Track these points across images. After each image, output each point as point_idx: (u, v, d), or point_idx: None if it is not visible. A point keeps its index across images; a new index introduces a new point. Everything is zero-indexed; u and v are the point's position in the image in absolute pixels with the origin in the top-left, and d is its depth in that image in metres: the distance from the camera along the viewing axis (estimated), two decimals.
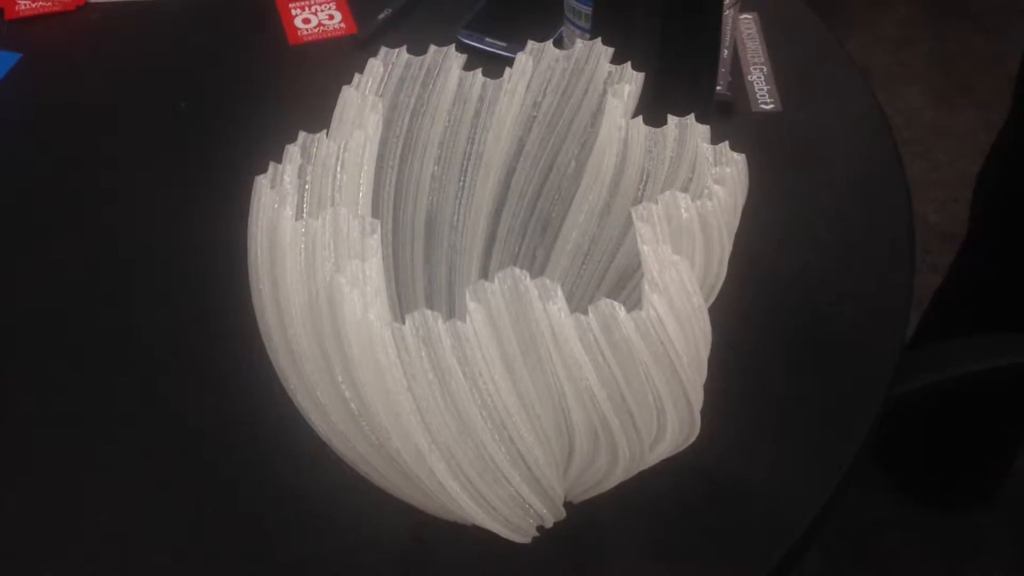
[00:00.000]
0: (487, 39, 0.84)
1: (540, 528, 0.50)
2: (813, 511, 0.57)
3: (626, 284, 0.56)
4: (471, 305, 0.41)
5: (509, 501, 0.47)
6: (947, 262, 1.32)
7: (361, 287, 0.41)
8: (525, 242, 0.59)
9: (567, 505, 0.51)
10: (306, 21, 0.88)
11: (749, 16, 0.86)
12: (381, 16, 0.88)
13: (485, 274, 0.59)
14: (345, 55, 0.87)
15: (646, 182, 0.51)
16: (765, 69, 0.82)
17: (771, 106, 0.79)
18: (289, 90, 0.85)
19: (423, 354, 0.41)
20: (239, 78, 0.85)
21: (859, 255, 0.70)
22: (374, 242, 0.43)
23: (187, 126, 0.81)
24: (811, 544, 0.58)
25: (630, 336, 0.41)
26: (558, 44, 0.58)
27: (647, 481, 0.51)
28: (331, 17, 0.89)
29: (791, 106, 0.79)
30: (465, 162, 0.54)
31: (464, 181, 0.55)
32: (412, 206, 0.56)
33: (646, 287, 0.41)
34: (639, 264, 0.55)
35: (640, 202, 0.52)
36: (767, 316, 0.65)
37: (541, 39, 0.53)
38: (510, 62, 0.52)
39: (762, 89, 0.81)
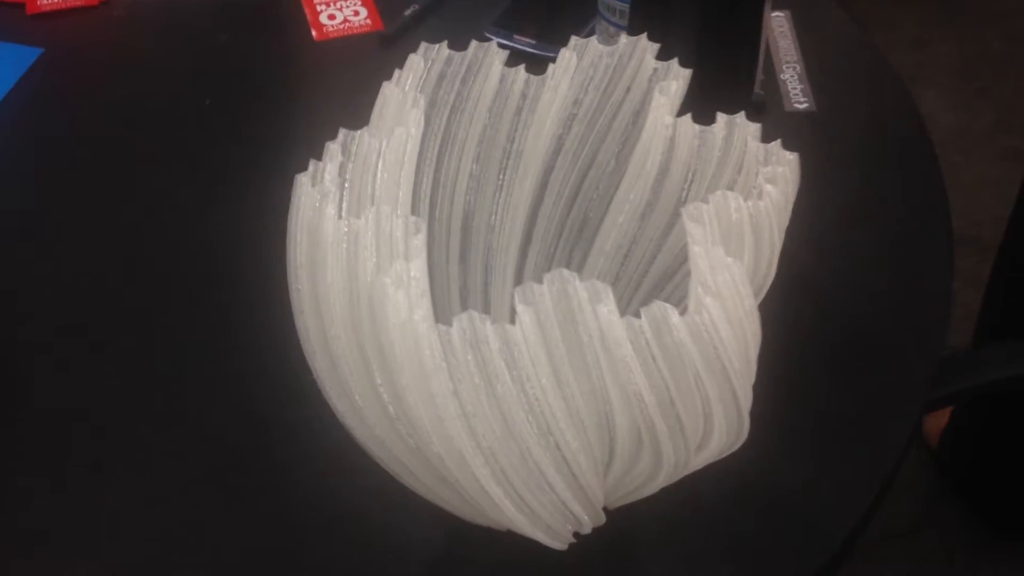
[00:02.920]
0: (515, 36, 0.83)
1: (576, 534, 0.49)
2: (853, 520, 0.56)
3: (665, 285, 0.55)
4: (520, 307, 0.40)
5: (551, 507, 0.46)
6: (966, 265, 1.30)
7: (406, 288, 0.40)
8: (561, 242, 0.58)
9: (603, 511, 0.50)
10: (331, 17, 0.87)
11: (781, 14, 0.85)
12: (407, 12, 0.87)
13: (520, 275, 0.58)
14: (371, 52, 0.86)
15: (691, 181, 0.50)
16: (798, 68, 0.81)
17: (805, 105, 0.78)
18: (315, 87, 0.84)
19: (470, 357, 0.40)
20: (265, 75, 0.84)
21: (896, 258, 0.68)
22: (419, 242, 0.42)
23: (212, 123, 0.80)
24: (850, 553, 0.57)
25: (683, 340, 0.40)
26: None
27: (682, 488, 0.49)
28: (356, 13, 0.88)
29: (825, 105, 0.78)
30: (504, 160, 0.53)
31: (503, 179, 0.54)
32: (448, 205, 0.55)
33: (699, 289, 0.40)
34: (680, 265, 0.54)
35: (685, 202, 0.51)
36: (802, 319, 0.64)
37: (570, 36, 0.52)
38: (538, 59, 0.51)
39: (795, 88, 0.79)
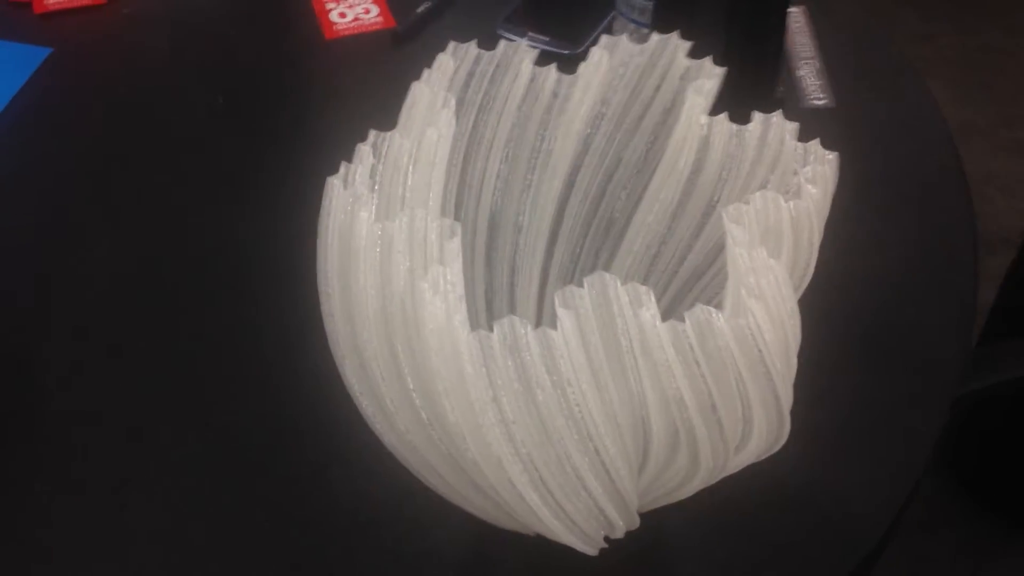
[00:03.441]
0: (529, 33, 0.82)
1: (607, 539, 0.48)
2: (886, 519, 0.55)
3: (694, 285, 0.54)
4: (561, 312, 0.39)
5: (585, 512, 0.45)
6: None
7: (444, 293, 0.40)
8: (587, 242, 0.57)
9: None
10: (342, 15, 0.87)
11: (797, 9, 0.84)
12: (420, 9, 0.86)
13: (546, 275, 0.57)
14: (383, 50, 0.85)
15: (725, 181, 0.49)
16: (815, 63, 0.80)
17: (823, 101, 0.78)
18: (327, 85, 0.83)
19: (510, 363, 0.39)
20: (276, 73, 0.83)
21: (921, 253, 0.68)
22: (454, 246, 0.41)
23: (224, 122, 0.79)
24: (884, 550, 0.56)
25: (728, 344, 0.39)
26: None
27: (712, 489, 0.49)
28: (367, 11, 0.87)
29: (843, 101, 0.78)
30: (533, 159, 0.52)
31: (531, 179, 0.53)
32: (475, 204, 0.54)
33: (742, 292, 0.39)
34: (708, 265, 0.54)
35: (718, 201, 0.51)
36: (828, 317, 0.63)
37: (584, 34, 0.51)
38: (552, 57, 0.51)
39: (813, 84, 0.79)
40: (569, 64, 0.52)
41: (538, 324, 0.59)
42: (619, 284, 0.39)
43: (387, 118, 0.75)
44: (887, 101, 0.79)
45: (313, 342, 0.61)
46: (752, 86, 0.60)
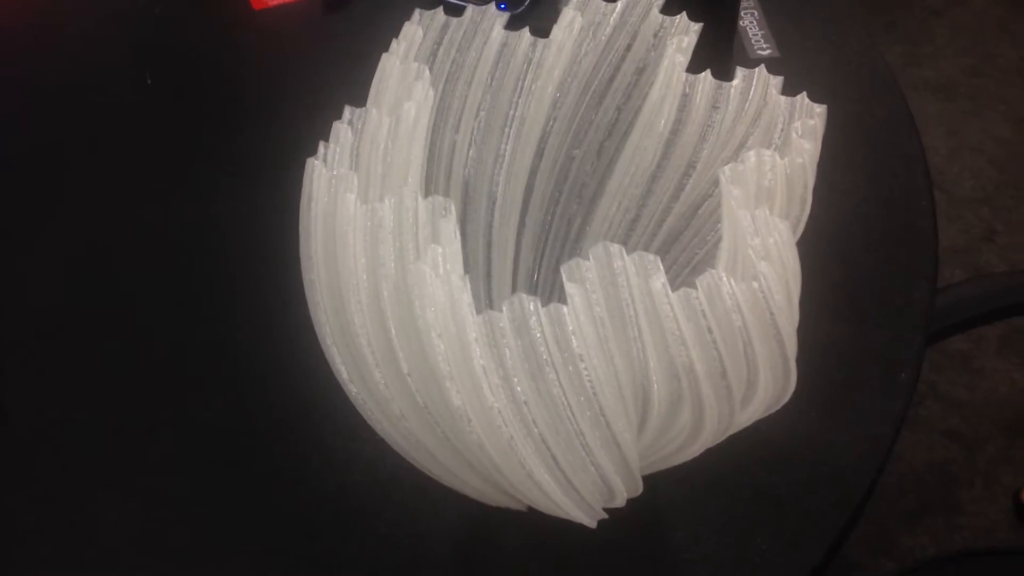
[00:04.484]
0: None
1: (607, 509, 0.48)
2: (875, 465, 0.55)
3: (670, 248, 0.54)
4: (570, 287, 0.38)
5: (592, 485, 0.44)
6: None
7: (446, 275, 0.38)
8: (559, 210, 0.56)
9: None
10: None
11: None
12: None
13: (519, 247, 0.56)
14: (314, 18, 0.82)
15: (705, 140, 0.48)
16: (756, 13, 0.80)
17: (767, 51, 0.77)
18: (261, 58, 0.80)
19: (520, 343, 0.38)
20: (205, 49, 0.80)
21: (878, 197, 0.68)
22: (451, 225, 0.40)
23: (157, 101, 0.75)
24: (873, 493, 0.56)
25: (741, 309, 0.38)
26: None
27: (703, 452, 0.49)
28: None
29: (787, 51, 0.77)
30: (506, 128, 0.50)
31: (504, 149, 0.51)
32: (446, 179, 0.52)
33: (751, 254, 0.39)
34: (686, 226, 0.53)
35: (697, 162, 0.50)
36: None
37: None
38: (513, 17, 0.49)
39: (756, 34, 0.78)
40: (515, 23, 0.51)
41: (513, 293, 0.58)
42: (625, 254, 0.38)
43: (327, 89, 0.73)
44: (830, 48, 0.79)
45: (278, 331, 0.60)
46: (714, 41, 0.59)
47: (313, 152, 0.43)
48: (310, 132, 0.49)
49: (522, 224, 0.55)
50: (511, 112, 0.50)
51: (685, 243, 0.53)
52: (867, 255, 0.65)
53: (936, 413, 1.49)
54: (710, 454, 0.49)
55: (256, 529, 0.53)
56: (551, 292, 0.56)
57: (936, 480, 1.45)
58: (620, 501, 0.47)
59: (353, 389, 0.45)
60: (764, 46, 0.78)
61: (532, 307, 0.37)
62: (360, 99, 0.46)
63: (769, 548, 0.53)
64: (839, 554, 0.54)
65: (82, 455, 0.56)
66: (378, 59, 0.46)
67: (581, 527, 0.47)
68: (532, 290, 0.57)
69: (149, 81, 0.76)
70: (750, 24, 0.79)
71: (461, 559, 0.53)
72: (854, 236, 0.66)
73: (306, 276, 0.44)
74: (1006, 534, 1.40)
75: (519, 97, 0.49)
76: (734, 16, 0.63)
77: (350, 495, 0.54)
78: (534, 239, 0.56)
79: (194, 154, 0.72)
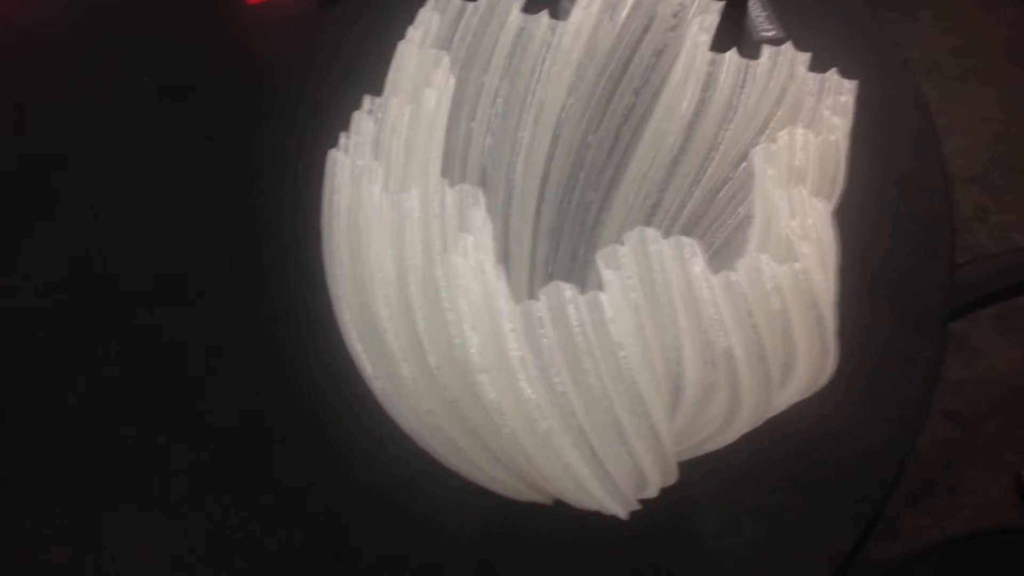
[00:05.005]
0: None
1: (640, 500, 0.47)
2: (902, 450, 0.55)
3: (691, 232, 0.53)
4: (607, 273, 0.37)
5: (628, 476, 0.43)
6: None
7: (480, 265, 0.37)
8: (576, 197, 0.55)
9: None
10: None
11: None
12: None
13: (536, 236, 0.55)
14: (310, 12, 0.81)
15: (730, 121, 0.47)
16: None
17: (772, 32, 0.76)
18: (257, 55, 0.79)
19: (558, 332, 0.37)
20: (199, 47, 0.79)
21: (893, 180, 0.67)
22: (480, 214, 0.38)
23: (154, 102, 0.74)
24: (898, 483, 0.56)
25: (782, 291, 0.37)
26: None
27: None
28: None
29: (794, 32, 0.76)
30: (524, 115, 0.49)
31: (522, 136, 0.50)
32: (462, 168, 0.51)
33: (790, 236, 0.38)
34: (706, 210, 0.52)
35: (721, 143, 0.49)
36: None
37: None
38: None
39: (759, 15, 0.77)
40: (536, 6, 0.49)
41: (530, 284, 0.57)
42: (661, 239, 0.37)
43: (326, 84, 0.72)
44: (834, 29, 0.78)
45: (289, 331, 0.59)
46: (725, 21, 0.58)
47: (318, 146, 0.42)
48: (308, 127, 0.48)
49: (538, 213, 0.54)
50: (529, 98, 0.49)
51: (705, 227, 0.52)
52: (882, 235, 0.64)
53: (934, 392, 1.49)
54: (735, 443, 0.48)
55: (277, 531, 0.52)
56: (569, 282, 0.55)
57: (936, 460, 1.46)
58: (653, 490, 0.47)
59: (378, 385, 0.44)
60: (768, 27, 0.77)
61: (569, 295, 0.36)
62: (358, 92, 0.44)
63: (800, 536, 0.52)
64: (870, 540, 0.54)
65: (96, 461, 0.55)
66: (375, 52, 0.45)
67: (607, 519, 0.46)
68: (549, 281, 0.56)
69: (146, 80, 0.75)
70: (753, 5, 0.78)
71: (486, 554, 0.52)
72: (868, 216, 0.65)
73: (329, 271, 0.42)
74: (1009, 513, 1.40)
75: (537, 83, 0.48)
76: None
77: (373, 494, 0.53)
78: (550, 228, 0.55)
79: (193, 152, 0.70)
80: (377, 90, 0.45)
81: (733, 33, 0.61)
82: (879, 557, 1.35)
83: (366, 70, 0.52)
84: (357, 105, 0.43)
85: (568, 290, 0.36)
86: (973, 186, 1.76)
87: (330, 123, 0.43)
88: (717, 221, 0.51)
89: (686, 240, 0.37)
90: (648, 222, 0.52)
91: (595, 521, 0.46)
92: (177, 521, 0.53)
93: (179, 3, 0.82)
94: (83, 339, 0.60)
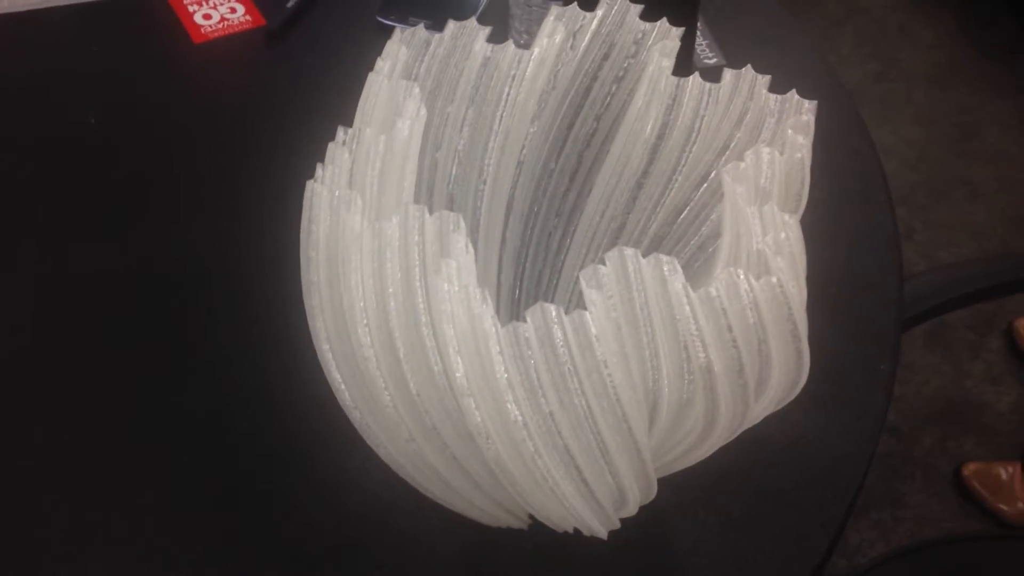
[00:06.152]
0: (410, 18, 0.80)
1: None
2: (866, 453, 0.56)
3: (655, 253, 0.54)
4: (590, 293, 0.37)
5: (610, 494, 0.44)
6: None
7: (465, 289, 0.37)
8: (539, 224, 0.56)
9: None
10: (207, 17, 0.82)
11: None
12: (289, 4, 0.82)
13: (501, 265, 0.55)
14: (256, 49, 0.81)
15: (694, 143, 0.48)
16: (699, 23, 0.81)
17: (714, 60, 0.78)
18: (206, 93, 0.78)
19: (544, 354, 0.37)
20: (148, 86, 0.78)
21: (837, 196, 0.69)
22: (462, 239, 0.39)
23: (102, 144, 0.73)
24: (863, 487, 0.57)
25: (758, 305, 0.38)
26: (483, 19, 0.54)
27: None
28: (233, 10, 0.82)
29: (731, 58, 0.78)
30: (491, 142, 0.50)
31: (488, 164, 0.51)
32: (428, 197, 0.52)
33: (766, 251, 0.39)
34: (668, 231, 0.53)
35: (683, 165, 0.50)
36: None
37: (469, 11, 0.49)
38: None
39: (700, 44, 0.79)
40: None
41: (496, 310, 0.58)
42: (641, 258, 0.38)
43: (276, 117, 0.72)
44: (773, 53, 0.81)
45: (258, 366, 0.58)
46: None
47: (272, 180, 0.42)
48: (260, 160, 0.48)
49: (503, 240, 0.55)
50: (496, 125, 0.49)
51: (668, 248, 0.53)
52: (834, 251, 0.66)
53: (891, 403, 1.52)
54: (708, 461, 0.49)
55: (254, 559, 0.52)
56: None
57: (877, 474, 1.48)
58: (633, 508, 0.47)
59: (357, 415, 0.44)
60: (710, 55, 0.79)
61: (555, 315, 0.37)
62: (309, 124, 0.44)
63: (772, 546, 0.53)
64: (839, 546, 0.55)
65: (73, 480, 0.54)
66: (323, 85, 0.45)
67: (584, 539, 0.47)
68: (515, 307, 0.57)
69: (93, 122, 0.74)
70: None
71: None
72: (819, 233, 0.67)
73: (308, 302, 0.43)
74: (951, 524, 1.43)
75: (504, 110, 0.49)
76: (694, 21, 0.63)
77: (348, 524, 0.53)
78: (514, 254, 0.56)
79: (145, 190, 0.70)
80: (326, 121, 0.45)
81: (683, 60, 0.62)
82: (829, 574, 1.38)
83: (314, 102, 0.52)
84: (309, 136, 0.44)
85: (554, 310, 0.37)
86: (899, 207, 1.79)
87: (282, 155, 0.43)
88: (680, 242, 0.52)
89: (665, 258, 0.38)
90: (613, 245, 0.53)
91: (572, 543, 0.46)
92: (152, 552, 0.52)
93: (127, 43, 0.81)
94: (49, 380, 0.59)
